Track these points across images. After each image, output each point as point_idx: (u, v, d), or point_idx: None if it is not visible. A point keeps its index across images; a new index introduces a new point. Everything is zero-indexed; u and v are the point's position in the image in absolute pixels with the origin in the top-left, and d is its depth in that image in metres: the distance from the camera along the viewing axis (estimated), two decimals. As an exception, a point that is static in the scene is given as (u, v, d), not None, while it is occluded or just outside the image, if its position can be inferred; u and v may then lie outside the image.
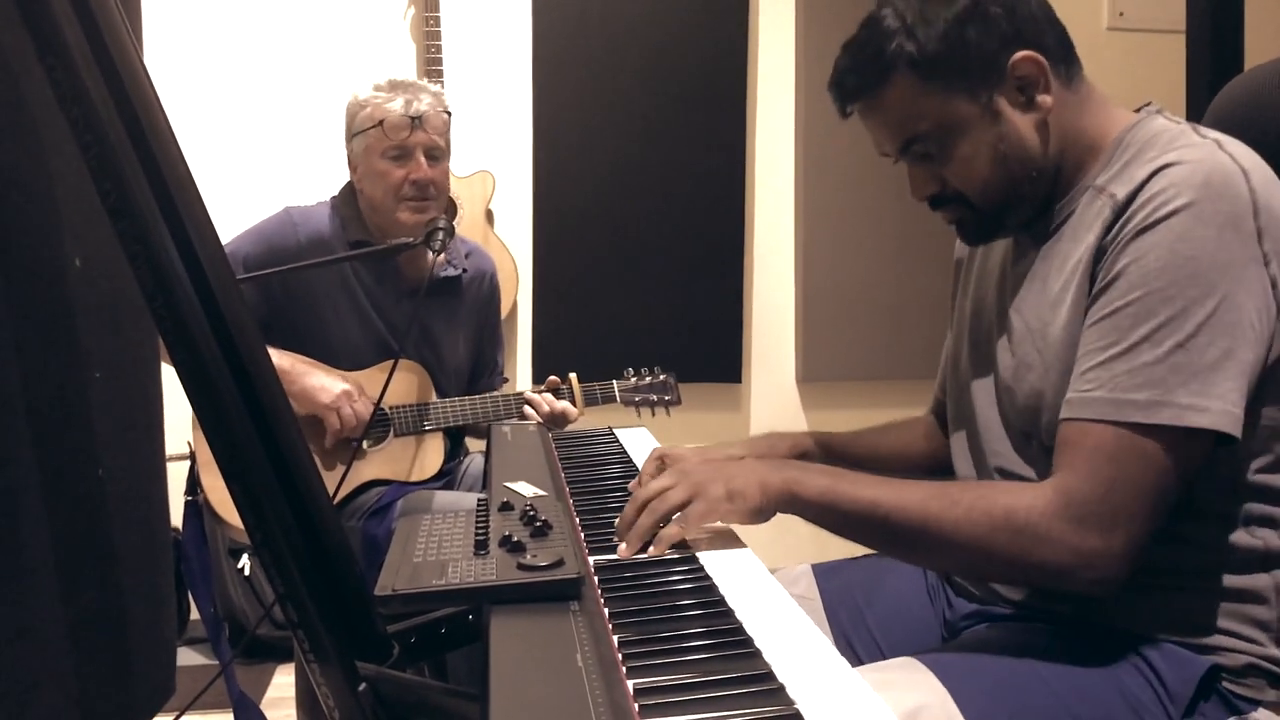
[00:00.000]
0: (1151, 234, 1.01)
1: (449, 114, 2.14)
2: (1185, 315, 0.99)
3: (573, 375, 2.26)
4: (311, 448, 2.03)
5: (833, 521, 1.10)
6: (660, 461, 1.28)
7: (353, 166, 2.16)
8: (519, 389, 2.27)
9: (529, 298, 3.40)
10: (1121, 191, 1.06)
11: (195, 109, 3.14)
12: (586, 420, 2.12)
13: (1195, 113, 1.84)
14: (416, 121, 2.05)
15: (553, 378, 2.24)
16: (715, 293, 3.52)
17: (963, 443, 1.29)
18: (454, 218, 3.18)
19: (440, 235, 1.96)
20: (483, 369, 2.37)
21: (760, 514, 1.09)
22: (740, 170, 3.52)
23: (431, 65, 3.15)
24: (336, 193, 2.22)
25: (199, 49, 3.19)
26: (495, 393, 2.23)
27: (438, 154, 2.11)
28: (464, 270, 2.25)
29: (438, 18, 3.17)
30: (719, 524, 1.12)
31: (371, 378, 2.12)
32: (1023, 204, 1.17)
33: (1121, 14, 3.66)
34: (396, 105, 2.06)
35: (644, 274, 3.45)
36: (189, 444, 2.01)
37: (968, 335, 1.31)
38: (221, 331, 0.73)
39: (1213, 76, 2.13)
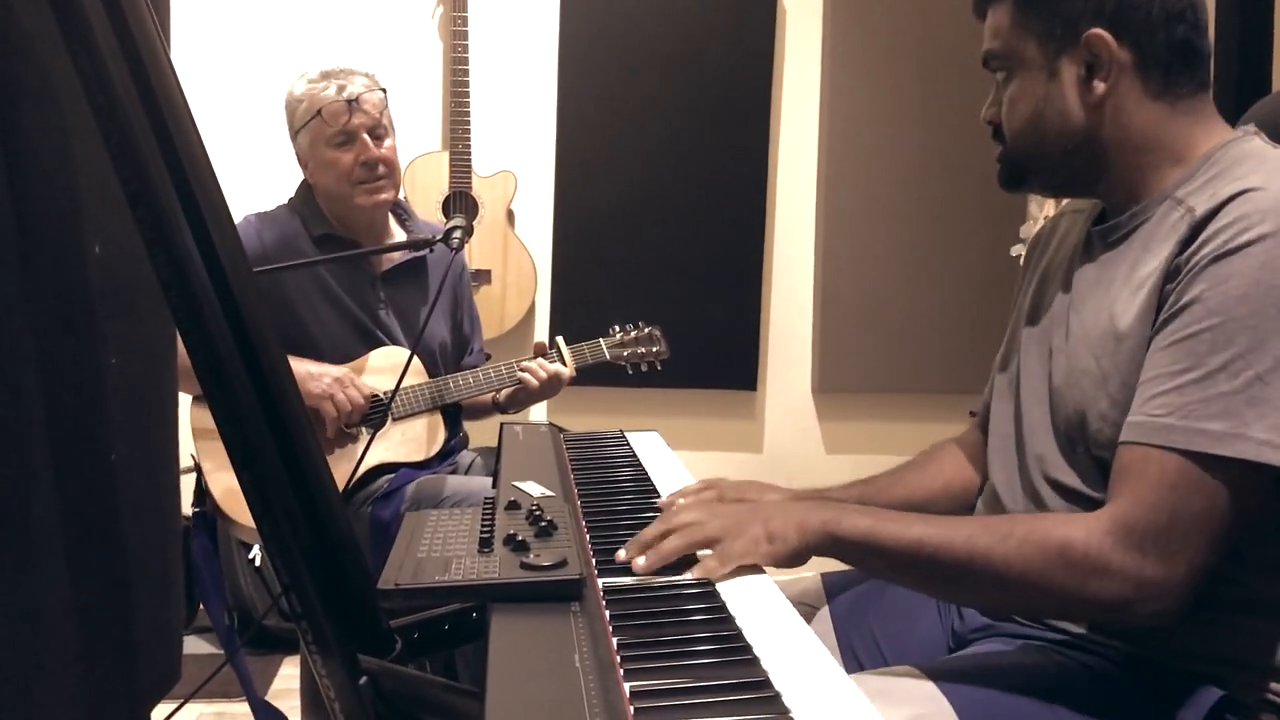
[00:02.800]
0: (1232, 260, 0.98)
1: (384, 91, 2.17)
2: (1265, 347, 0.96)
3: (559, 339, 2.29)
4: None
5: (875, 563, 1.07)
6: (708, 489, 1.26)
7: (303, 163, 2.20)
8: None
9: (547, 299, 3.41)
10: (1201, 208, 1.03)
11: (220, 105, 3.17)
12: (597, 422, 2.12)
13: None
14: (353, 104, 2.09)
15: (539, 342, 2.28)
16: (733, 300, 3.52)
17: (1004, 439, 1.26)
18: (475, 217, 3.19)
19: (458, 234, 1.98)
20: (464, 348, 2.39)
21: (798, 557, 1.05)
22: (762, 178, 3.52)
23: (458, 65, 3.17)
24: (293, 194, 2.26)
25: (226, 45, 3.22)
26: (487, 365, 2.25)
27: (380, 132, 2.14)
28: (430, 250, 2.25)
29: (465, 18, 3.18)
30: (760, 564, 1.07)
31: (361, 368, 2.14)
32: (1048, 168, 1.17)
33: (1151, 33, 3.64)
34: (330, 92, 2.10)
35: (663, 279, 3.45)
36: (193, 456, 2.02)
37: (1023, 331, 1.28)
38: (236, 321, 0.74)
39: (1239, 97, 2.12)
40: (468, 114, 3.15)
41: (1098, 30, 1.10)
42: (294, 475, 0.77)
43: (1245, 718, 1.04)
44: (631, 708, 0.68)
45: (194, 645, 2.81)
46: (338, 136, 2.10)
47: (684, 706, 0.69)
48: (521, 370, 2.20)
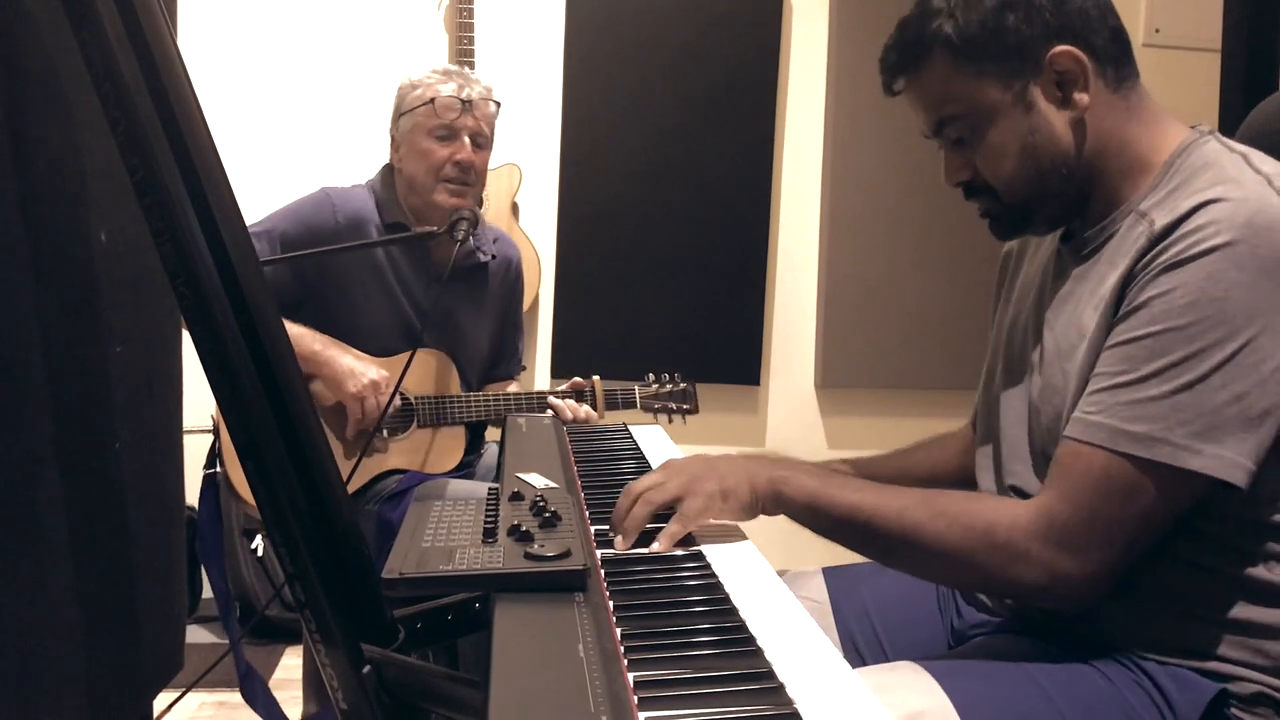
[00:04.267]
0: (1182, 270, 0.99)
1: (498, 105, 2.18)
2: (1201, 356, 0.98)
3: (596, 378, 2.26)
4: (333, 433, 2.04)
5: (817, 524, 1.12)
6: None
7: (395, 146, 2.19)
8: (538, 383, 2.27)
9: (551, 292, 3.41)
10: (1160, 220, 1.04)
11: (230, 94, 3.17)
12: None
13: (1228, 131, 1.83)
14: (467, 105, 2.10)
15: (577, 380, 2.25)
16: (737, 294, 3.52)
17: (988, 457, 1.28)
18: (480, 209, 3.19)
19: (464, 225, 1.98)
20: (503, 355, 2.38)
21: (750, 511, 1.11)
22: (767, 173, 3.52)
23: (463, 56, 3.16)
24: (374, 175, 2.24)
25: (235, 34, 3.22)
26: (520, 391, 2.24)
27: (482, 141, 2.15)
28: (492, 256, 2.28)
29: (471, 9, 3.18)
30: (715, 521, 1.12)
31: (398, 366, 2.12)
32: (1050, 201, 1.16)
33: (1157, 30, 3.64)
34: (449, 88, 2.12)
35: (667, 273, 3.45)
36: (213, 417, 2.02)
37: (1003, 349, 1.30)
38: (242, 311, 0.74)
39: (1247, 95, 2.12)
40: (472, 106, 3.14)
41: (1062, 47, 1.11)
42: (298, 464, 0.77)
43: (1244, 710, 1.04)
44: (635, 698, 0.68)
45: (196, 634, 2.82)
46: (441, 129, 2.10)
47: (687, 697, 0.69)
48: (551, 405, 2.17)
